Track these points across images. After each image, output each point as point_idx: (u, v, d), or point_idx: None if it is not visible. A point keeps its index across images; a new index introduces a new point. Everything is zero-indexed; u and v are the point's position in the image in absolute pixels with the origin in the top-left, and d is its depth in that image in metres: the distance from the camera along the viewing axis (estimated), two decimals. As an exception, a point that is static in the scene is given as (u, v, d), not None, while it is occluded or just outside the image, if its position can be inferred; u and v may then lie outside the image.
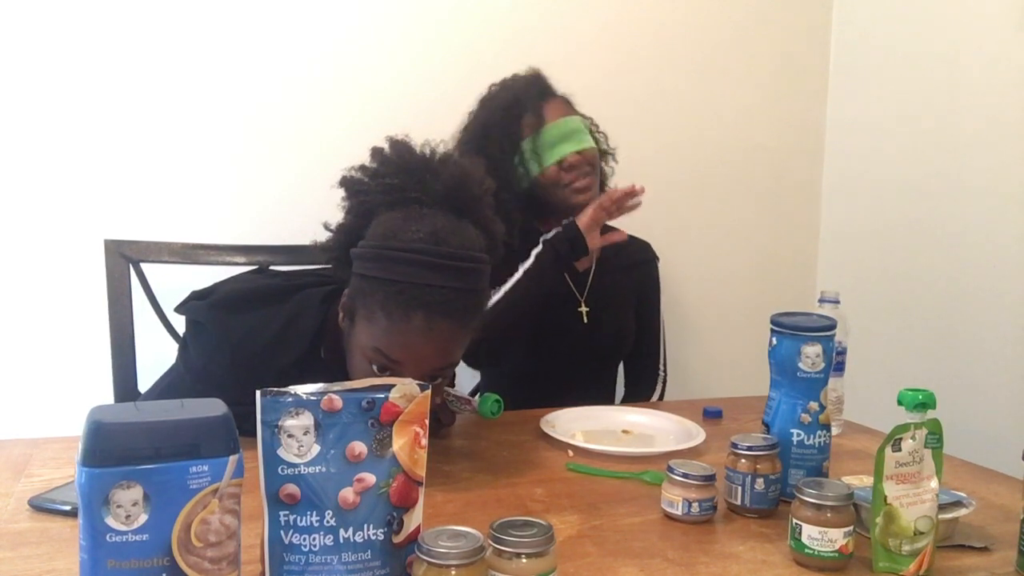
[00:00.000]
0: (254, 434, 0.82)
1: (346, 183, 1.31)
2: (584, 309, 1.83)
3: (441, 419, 1.44)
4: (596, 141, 1.87)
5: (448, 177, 1.27)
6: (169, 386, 1.40)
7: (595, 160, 1.82)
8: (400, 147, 1.31)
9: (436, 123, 2.14)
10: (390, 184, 1.27)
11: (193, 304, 1.36)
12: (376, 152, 1.31)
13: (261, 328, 1.32)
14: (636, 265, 1.96)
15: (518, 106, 1.79)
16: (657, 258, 1.99)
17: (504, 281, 1.71)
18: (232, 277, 1.46)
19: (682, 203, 2.50)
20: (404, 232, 1.20)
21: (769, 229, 2.61)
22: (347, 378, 1.25)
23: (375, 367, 1.22)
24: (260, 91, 2.06)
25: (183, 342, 1.40)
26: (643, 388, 1.92)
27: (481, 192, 1.32)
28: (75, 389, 1.93)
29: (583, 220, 1.69)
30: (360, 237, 1.26)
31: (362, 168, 1.31)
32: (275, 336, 1.31)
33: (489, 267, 1.28)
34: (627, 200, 1.69)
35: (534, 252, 1.72)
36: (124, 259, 1.73)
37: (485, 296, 1.29)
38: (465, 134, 1.86)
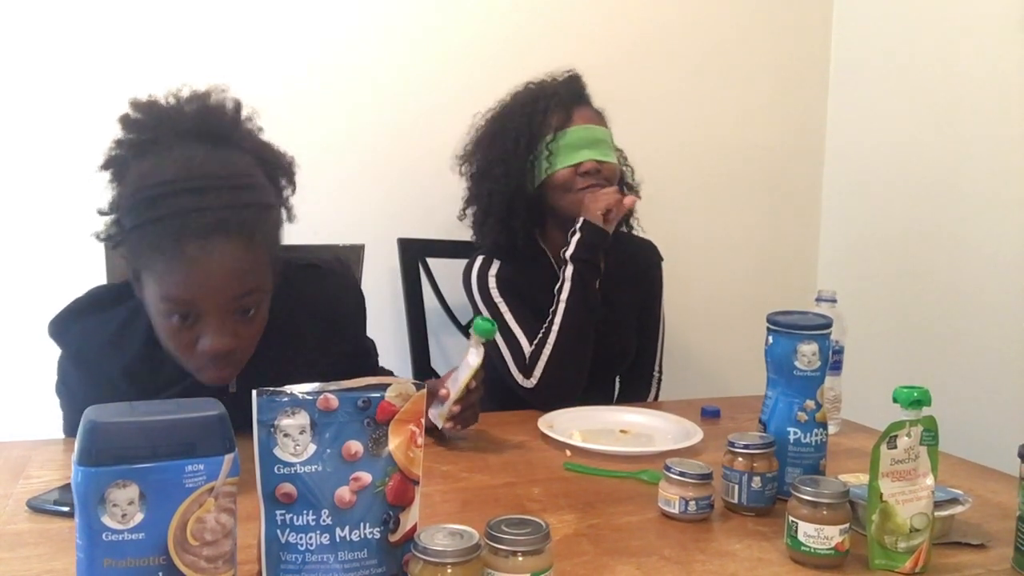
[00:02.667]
0: None
1: (107, 164, 1.26)
2: None
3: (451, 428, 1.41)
4: (622, 174, 1.85)
5: (193, 111, 1.25)
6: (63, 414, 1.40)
7: (614, 177, 1.76)
8: (142, 105, 1.26)
9: (435, 122, 2.16)
10: (142, 140, 1.23)
11: (48, 325, 1.36)
12: (123, 119, 1.26)
13: (95, 333, 1.31)
14: (642, 273, 1.92)
15: (546, 101, 1.74)
16: (661, 259, 1.96)
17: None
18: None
19: (682, 203, 2.50)
20: (156, 171, 1.17)
21: (769, 229, 2.62)
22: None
23: (175, 320, 1.17)
24: (259, 91, 2.05)
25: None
26: (639, 390, 1.90)
27: (234, 116, 1.30)
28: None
29: (597, 215, 1.69)
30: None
31: (116, 143, 1.26)
32: (110, 339, 1.30)
33: (264, 182, 1.25)
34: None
35: (567, 274, 1.69)
36: (125, 259, 1.73)
37: (267, 212, 1.24)
38: (487, 123, 1.82)
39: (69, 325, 1.33)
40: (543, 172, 1.74)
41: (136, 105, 1.26)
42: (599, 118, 1.80)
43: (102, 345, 1.30)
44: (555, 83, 1.80)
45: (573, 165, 1.72)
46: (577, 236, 1.70)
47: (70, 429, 1.39)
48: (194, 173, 1.16)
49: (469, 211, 1.86)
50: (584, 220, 1.70)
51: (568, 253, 1.70)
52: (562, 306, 1.68)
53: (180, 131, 1.22)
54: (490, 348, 1.74)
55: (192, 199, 1.14)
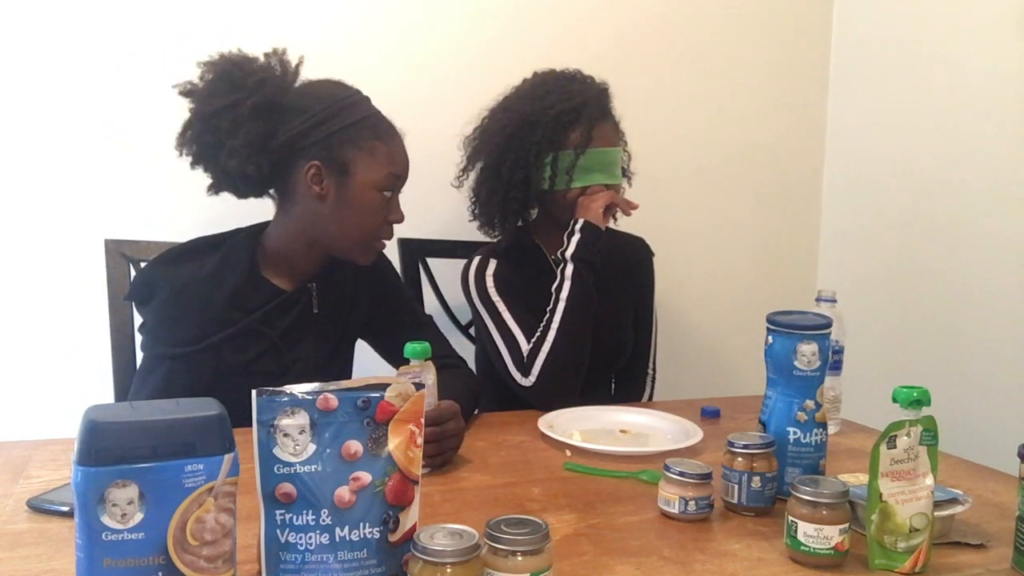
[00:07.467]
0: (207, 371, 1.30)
1: (206, 118, 1.43)
2: None
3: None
4: (623, 171, 1.86)
5: (271, 58, 1.51)
6: (143, 369, 1.47)
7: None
8: (222, 63, 1.46)
9: (435, 122, 2.16)
10: (257, 80, 1.43)
11: (141, 271, 1.50)
12: (206, 80, 1.46)
13: (198, 270, 1.45)
14: (633, 268, 1.93)
15: (574, 115, 1.72)
16: (652, 254, 1.97)
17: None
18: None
19: (683, 202, 2.50)
20: (326, 90, 1.48)
21: (769, 228, 2.61)
22: (296, 279, 1.53)
23: (383, 195, 1.48)
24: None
25: (143, 323, 1.49)
26: (633, 387, 1.90)
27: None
28: (75, 389, 1.93)
29: (596, 216, 1.72)
30: (270, 132, 1.42)
31: (205, 94, 1.44)
32: (211, 272, 1.45)
33: None
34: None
35: (567, 273, 1.70)
36: (124, 259, 1.73)
37: None
38: (506, 113, 1.79)
39: (170, 266, 1.46)
40: (556, 185, 1.75)
41: (212, 65, 1.46)
42: (616, 135, 1.80)
43: (207, 277, 1.45)
44: (582, 90, 1.77)
45: (583, 187, 1.74)
46: (577, 237, 1.71)
47: (149, 372, 1.45)
48: (352, 90, 1.50)
49: (469, 182, 1.87)
50: (584, 221, 1.72)
51: (568, 253, 1.71)
52: (562, 304, 1.68)
53: (287, 71, 1.50)
54: (489, 347, 1.75)
55: (369, 105, 1.51)
